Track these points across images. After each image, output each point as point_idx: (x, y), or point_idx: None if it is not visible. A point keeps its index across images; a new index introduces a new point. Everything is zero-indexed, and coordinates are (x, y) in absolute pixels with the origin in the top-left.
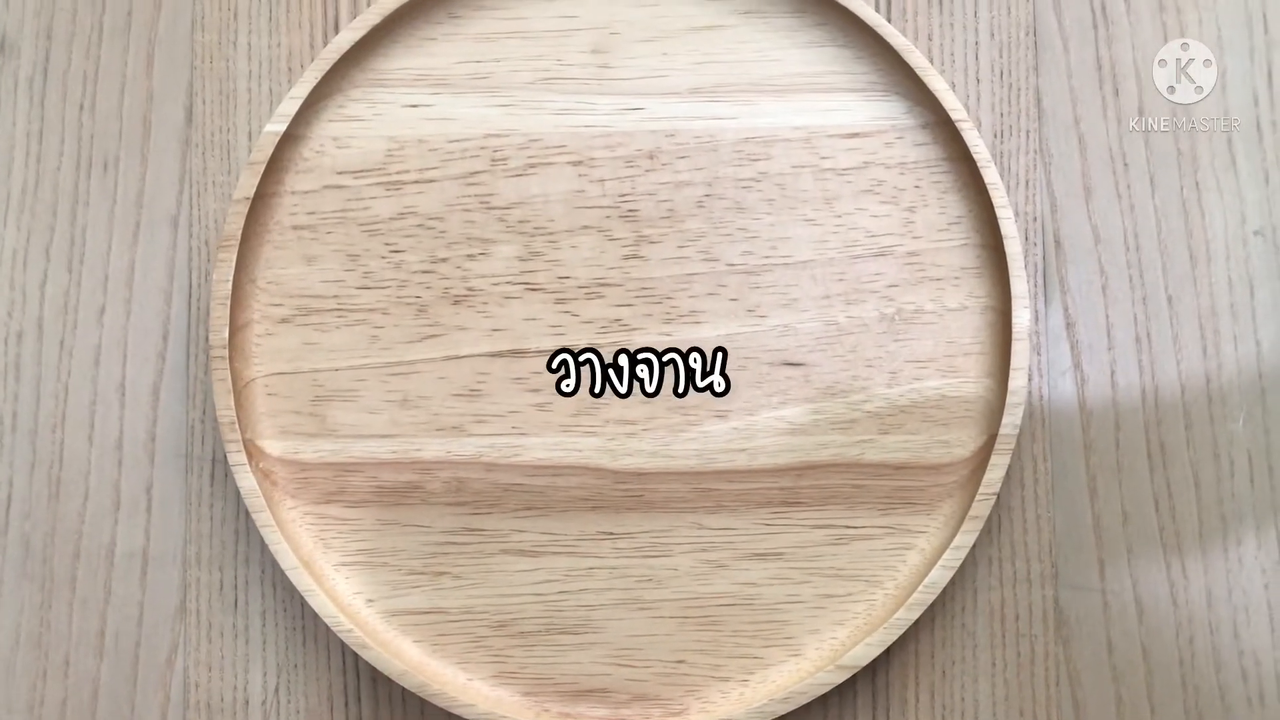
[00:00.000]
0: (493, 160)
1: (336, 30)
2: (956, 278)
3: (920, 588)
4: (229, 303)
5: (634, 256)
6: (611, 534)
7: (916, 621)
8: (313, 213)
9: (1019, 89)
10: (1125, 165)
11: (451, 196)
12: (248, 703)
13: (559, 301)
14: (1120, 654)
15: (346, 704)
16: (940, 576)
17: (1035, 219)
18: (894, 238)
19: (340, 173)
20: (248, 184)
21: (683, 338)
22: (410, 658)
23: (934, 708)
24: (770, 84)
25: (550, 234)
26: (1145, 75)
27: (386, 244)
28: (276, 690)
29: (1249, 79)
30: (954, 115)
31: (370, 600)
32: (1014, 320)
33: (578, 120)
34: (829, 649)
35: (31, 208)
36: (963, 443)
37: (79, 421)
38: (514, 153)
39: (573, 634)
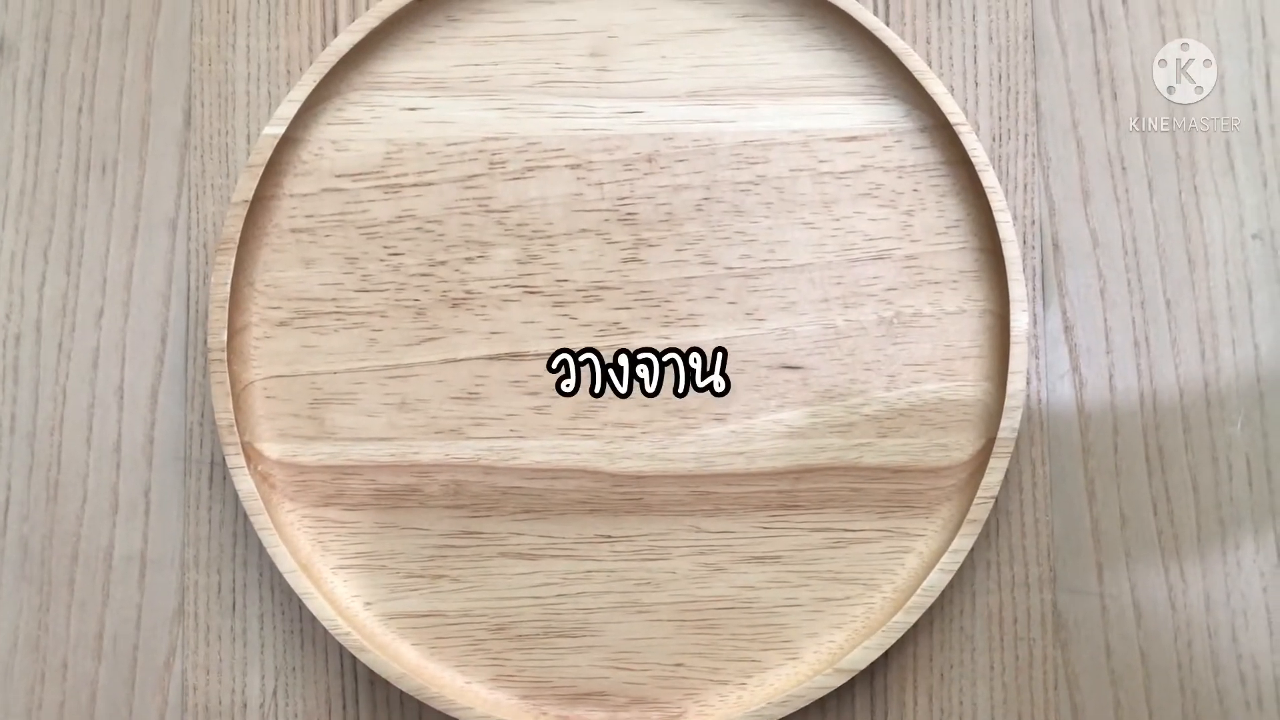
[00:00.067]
0: (491, 163)
1: (335, 33)
2: (955, 281)
3: (918, 591)
4: (227, 305)
5: (632, 260)
6: (610, 537)
7: (915, 625)
8: (311, 215)
9: (1017, 92)
10: (1124, 169)
11: (450, 199)
12: (246, 705)
13: (557, 304)
14: (1118, 658)
15: (345, 707)
16: (938, 580)
17: (1033, 222)
18: (892, 241)
19: (339, 176)
20: (246, 187)
21: (681, 341)
22: (408, 660)
23: (932, 711)
24: (768, 87)
25: (548, 237)
26: (1143, 78)
27: (385, 247)
28: (275, 693)
29: (1247, 82)
30: (952, 119)
31: (368, 603)
32: (1012, 324)
33: (576, 123)
34: (827, 652)
35: (30, 210)
36: (961, 446)
37: (77, 424)
38: (512, 156)
39: (571, 637)
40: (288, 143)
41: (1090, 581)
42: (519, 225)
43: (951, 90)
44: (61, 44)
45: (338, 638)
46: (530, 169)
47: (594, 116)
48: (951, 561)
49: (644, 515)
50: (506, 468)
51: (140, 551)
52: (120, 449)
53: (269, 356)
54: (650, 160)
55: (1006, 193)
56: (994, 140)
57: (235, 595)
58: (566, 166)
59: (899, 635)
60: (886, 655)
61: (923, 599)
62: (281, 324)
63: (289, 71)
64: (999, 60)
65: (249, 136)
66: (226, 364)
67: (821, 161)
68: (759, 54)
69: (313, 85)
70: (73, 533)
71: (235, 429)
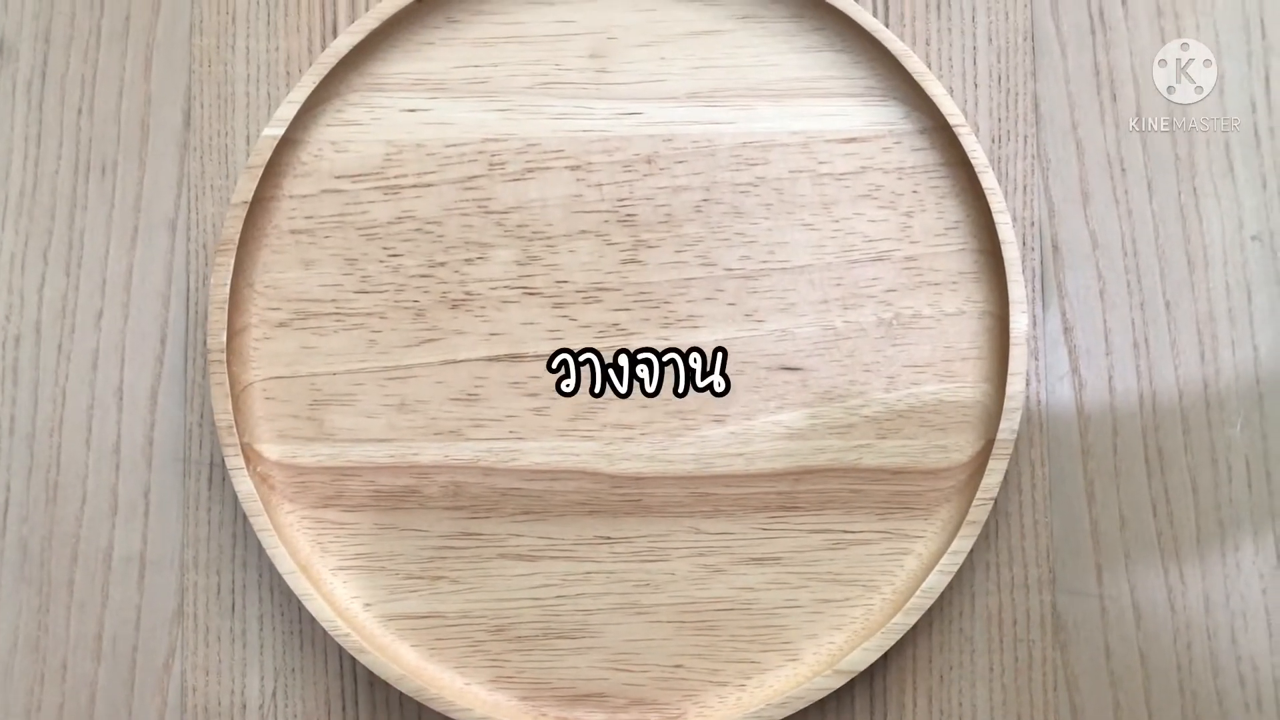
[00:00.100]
0: (490, 165)
1: (335, 34)
2: (954, 282)
3: (918, 593)
4: (227, 307)
5: (632, 261)
6: (609, 538)
7: (914, 626)
8: (310, 217)
9: (1017, 94)
10: (1123, 170)
11: (449, 201)
12: (245, 707)
13: (557, 306)
14: (1118, 659)
15: (344, 708)
16: (938, 581)
17: (1033, 224)
18: (891, 243)
19: (338, 177)
20: (246, 188)
21: (681, 342)
22: (408, 662)
23: (931, 713)
24: (768, 89)
25: (548, 238)
26: (1143, 80)
27: (384, 248)
28: (274, 694)
29: (1246, 84)
30: (952, 120)
31: (368, 604)
32: (1011, 325)
33: (575, 125)
34: (826, 654)
35: (29, 211)
36: (960, 448)
37: (76, 425)
38: (512, 157)
39: (570, 638)
40: (287, 144)
41: (1090, 583)
42: (518, 226)
43: (951, 92)
44: (61, 45)
45: (337, 639)
46: (530, 170)
47: (593, 118)
48: (951, 563)
49: (643, 517)
50: (506, 469)
51: (139, 552)
52: (120, 450)
53: (268, 358)
54: (650, 161)
55: (1006, 194)
56: (993, 142)
57: (234, 596)
58: (566, 168)
59: (898, 637)
60: (886, 657)
61: (922, 600)
62: (281, 325)
63: (288, 73)
64: (998, 62)
65: (248, 138)
66: (226, 365)
67: (821, 163)
68: (759, 55)
69: (312, 86)
70: (72, 534)
71: (234, 430)
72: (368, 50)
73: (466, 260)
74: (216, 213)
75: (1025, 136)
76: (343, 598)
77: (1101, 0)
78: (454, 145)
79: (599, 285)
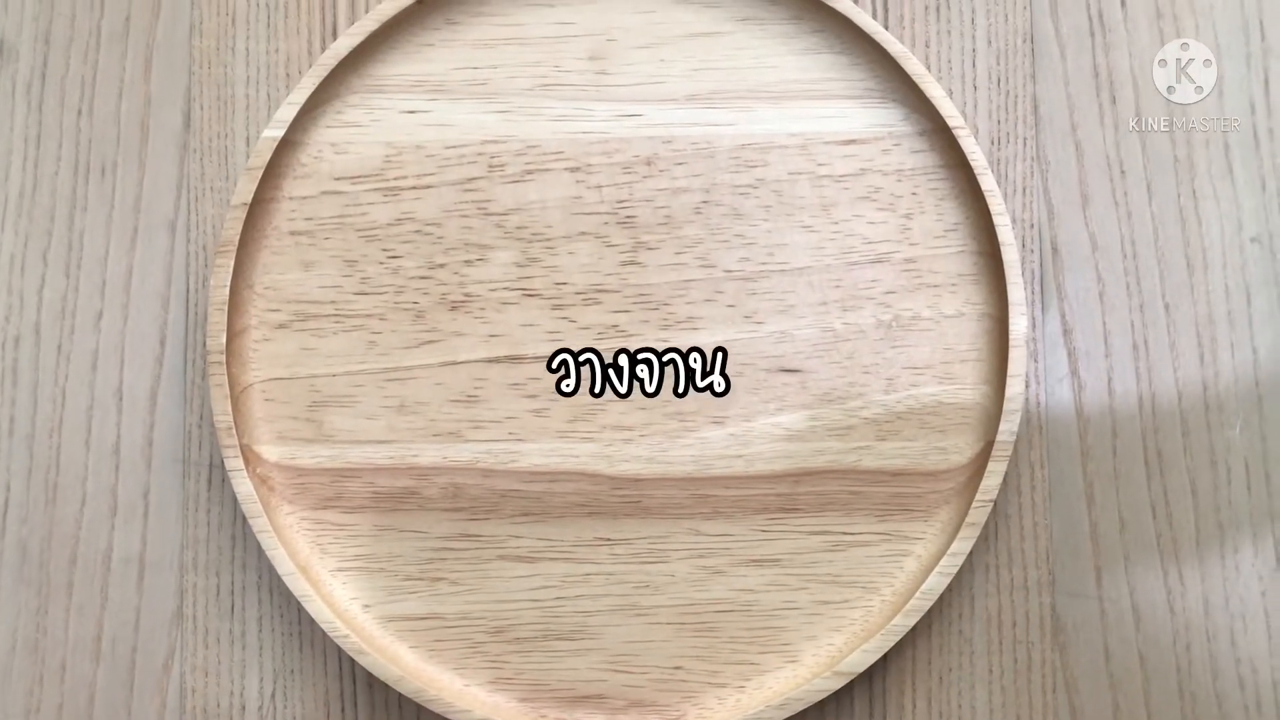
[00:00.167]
0: (490, 166)
1: (334, 36)
2: (953, 284)
3: (917, 594)
4: (226, 308)
5: (631, 263)
6: (608, 540)
7: (913, 628)
8: (310, 218)
9: (1016, 96)
10: (1122, 172)
11: (449, 202)
12: (244, 708)
13: (556, 307)
14: (1117, 661)
15: (343, 709)
16: (937, 583)
17: (1032, 226)
18: (891, 244)
19: (338, 178)
20: (245, 189)
21: (680, 344)
22: (407, 663)
23: (931, 714)
24: (767, 90)
25: (548, 240)
26: (1142, 82)
27: (384, 250)
28: (273, 695)
29: (1246, 86)
30: (951, 122)
31: (367, 606)
32: (1011, 327)
33: (575, 126)
34: (826, 655)
35: (29, 212)
36: (960, 449)
37: (76, 426)
38: (511, 159)
39: (569, 640)
40: (287, 145)
41: (1089, 585)
42: (518, 228)
43: (950, 94)
44: (61, 46)
45: (336, 640)
46: (529, 172)
47: (593, 119)
48: (950, 565)
49: (643, 518)
50: (505, 470)
51: (139, 554)
52: (119, 451)
53: (268, 359)
54: (649, 163)
55: (1005, 196)
56: (993, 144)
57: (234, 598)
58: (565, 169)
59: (898, 638)
60: (885, 658)
61: (921, 602)
62: (280, 326)
63: (288, 74)
64: (998, 64)
65: (248, 139)
66: (225, 366)
67: (820, 165)
68: (758, 57)
69: (312, 88)
70: (71, 535)
71: (234, 431)
72: (367, 52)
73: (466, 262)
74: (216, 214)
75: (1024, 139)
76: (342, 599)
77: (1100, 2)
78: (453, 147)
79: (598, 287)
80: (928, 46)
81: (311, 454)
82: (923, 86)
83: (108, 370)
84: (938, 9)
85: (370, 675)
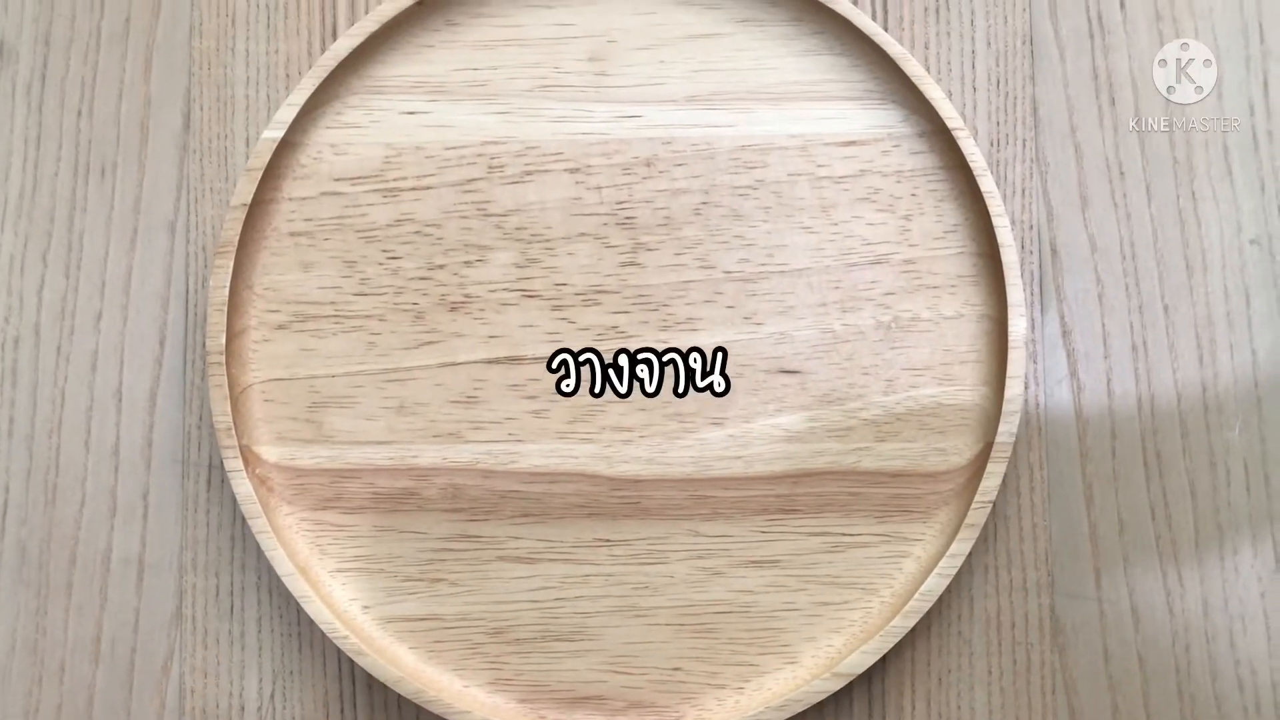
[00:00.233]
0: (490, 167)
1: (334, 37)
2: (953, 286)
3: (916, 595)
4: (226, 309)
5: (631, 264)
6: (608, 541)
7: (913, 629)
8: (310, 219)
9: (1015, 97)
10: (1121, 174)
11: (448, 203)
12: (243, 709)
13: (556, 308)
14: (1116, 662)
15: (342, 710)
16: (936, 584)
17: (1031, 227)
18: (890, 246)
19: (338, 179)
20: (245, 190)
21: (680, 344)
22: (406, 664)
23: (930, 716)
24: (767, 92)
25: (547, 241)
26: (1141, 83)
27: (383, 250)
28: (272, 696)
29: (1245, 88)
30: (950, 124)
31: (366, 606)
32: (1010, 328)
33: (575, 128)
34: (825, 657)
35: (29, 213)
36: (959, 450)
37: (75, 427)
38: (511, 160)
39: (569, 641)
40: (287, 146)
41: (1088, 586)
42: (517, 229)
43: (949, 95)
44: (61, 47)
45: (335, 641)
46: (529, 173)
47: (593, 121)
48: (949, 566)
49: (642, 519)
50: (505, 471)
51: (138, 555)
52: (119, 452)
53: (267, 360)
54: (649, 164)
55: (1005, 197)
56: (992, 145)
57: (233, 598)
58: (565, 170)
59: (897, 640)
60: (884, 660)
61: (920, 603)
62: (280, 327)
63: (288, 75)
64: (997, 65)
65: (248, 140)
66: (225, 367)
67: (820, 166)
68: (758, 59)
69: (312, 89)
70: (71, 536)
71: (233, 432)
72: (367, 53)
73: (465, 263)
74: (216, 215)
75: (1024, 140)
76: (341, 600)
77: (1100, 4)
78: (453, 148)
79: (598, 288)
80: (927, 48)
81: (311, 455)
82: (922, 88)
83: (107, 371)
84: (937, 10)
85: (369, 676)
